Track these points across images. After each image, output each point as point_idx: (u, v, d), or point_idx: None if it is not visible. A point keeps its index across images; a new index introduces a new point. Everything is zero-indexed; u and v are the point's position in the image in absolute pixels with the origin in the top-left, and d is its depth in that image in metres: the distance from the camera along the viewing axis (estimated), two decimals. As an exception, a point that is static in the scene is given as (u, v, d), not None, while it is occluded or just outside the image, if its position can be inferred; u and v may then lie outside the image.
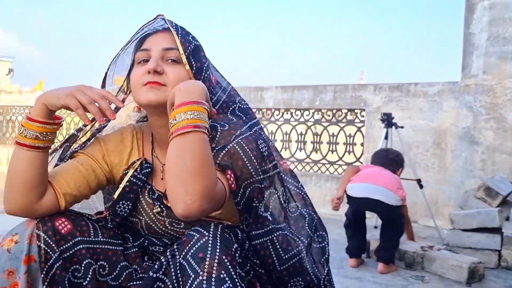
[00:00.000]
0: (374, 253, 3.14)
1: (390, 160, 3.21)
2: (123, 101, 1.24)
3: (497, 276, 3.01)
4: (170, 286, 0.96)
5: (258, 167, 1.10)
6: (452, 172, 4.45)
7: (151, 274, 1.00)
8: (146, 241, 1.24)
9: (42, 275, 1.06)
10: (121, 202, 1.19)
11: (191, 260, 0.94)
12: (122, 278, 1.18)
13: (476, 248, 3.24)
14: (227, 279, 0.93)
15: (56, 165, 1.25)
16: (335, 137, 5.36)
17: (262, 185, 1.13)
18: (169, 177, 0.99)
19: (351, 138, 5.24)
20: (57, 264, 1.08)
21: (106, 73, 1.25)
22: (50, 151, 1.14)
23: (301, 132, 5.72)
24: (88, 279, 1.12)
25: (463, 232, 3.30)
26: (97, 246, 1.16)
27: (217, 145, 1.07)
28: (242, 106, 1.25)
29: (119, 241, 1.21)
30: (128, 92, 1.25)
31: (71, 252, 1.11)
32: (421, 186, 3.82)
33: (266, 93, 5.84)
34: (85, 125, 1.26)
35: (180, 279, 0.95)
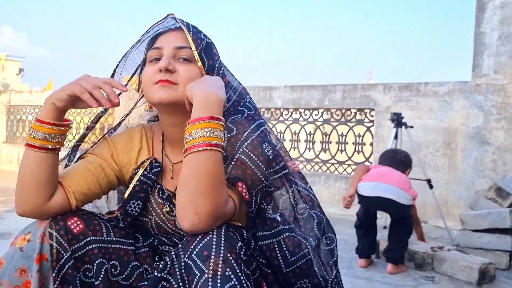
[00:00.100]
0: (383, 253, 3.13)
1: (398, 160, 3.19)
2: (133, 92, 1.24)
3: (508, 277, 2.98)
4: (175, 285, 0.96)
5: (266, 171, 1.11)
6: (462, 172, 4.42)
7: (156, 273, 1.00)
8: (156, 241, 1.25)
9: (54, 274, 1.06)
10: (131, 202, 1.20)
11: (196, 259, 0.94)
12: (133, 278, 1.19)
13: (486, 249, 3.21)
14: (232, 276, 0.93)
15: (66, 165, 1.26)
16: (344, 137, 5.35)
17: (271, 189, 1.14)
18: (180, 192, 1.00)
19: (360, 138, 5.22)
20: (69, 264, 1.08)
21: (115, 70, 1.26)
22: (62, 155, 1.15)
23: (310, 131, 5.72)
24: (100, 278, 1.12)
25: (474, 233, 3.28)
26: (109, 245, 1.16)
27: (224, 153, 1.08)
28: (252, 103, 1.27)
29: (131, 241, 1.22)
30: (140, 91, 1.26)
31: (82, 251, 1.11)
32: (431, 187, 3.80)
33: (275, 92, 5.84)
34: (93, 122, 1.27)
35: (185, 278, 0.95)
